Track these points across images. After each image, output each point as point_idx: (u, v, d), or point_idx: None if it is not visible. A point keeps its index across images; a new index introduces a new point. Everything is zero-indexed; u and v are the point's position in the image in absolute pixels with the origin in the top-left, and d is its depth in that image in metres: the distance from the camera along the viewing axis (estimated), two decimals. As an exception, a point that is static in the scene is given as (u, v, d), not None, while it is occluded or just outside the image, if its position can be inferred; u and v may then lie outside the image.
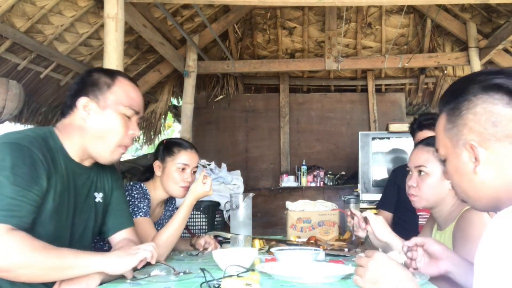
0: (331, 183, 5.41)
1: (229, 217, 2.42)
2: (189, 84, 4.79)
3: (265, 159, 5.87)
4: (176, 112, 6.43)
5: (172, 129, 10.99)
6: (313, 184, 5.35)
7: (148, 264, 1.41)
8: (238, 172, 4.01)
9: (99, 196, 1.55)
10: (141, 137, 5.88)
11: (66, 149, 1.42)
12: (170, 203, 2.26)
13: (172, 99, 6.04)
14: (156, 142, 5.86)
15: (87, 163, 1.49)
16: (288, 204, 2.59)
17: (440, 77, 5.91)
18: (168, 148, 2.09)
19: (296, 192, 5.10)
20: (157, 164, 2.08)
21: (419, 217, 2.50)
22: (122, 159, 4.76)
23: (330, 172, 5.50)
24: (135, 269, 1.39)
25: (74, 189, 1.43)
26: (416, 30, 5.49)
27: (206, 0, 3.39)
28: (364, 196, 4.31)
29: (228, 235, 2.21)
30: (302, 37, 5.66)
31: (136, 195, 1.95)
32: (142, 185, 2.01)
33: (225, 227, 3.02)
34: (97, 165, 1.52)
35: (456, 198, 1.68)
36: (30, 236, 1.21)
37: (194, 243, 2.10)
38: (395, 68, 5.36)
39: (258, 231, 3.13)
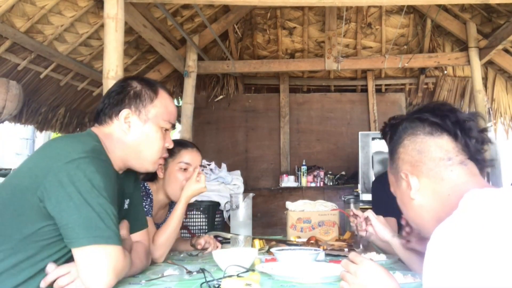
0: (331, 183, 5.41)
1: (229, 217, 2.43)
2: (189, 84, 4.79)
3: (265, 159, 5.87)
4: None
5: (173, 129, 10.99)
6: (313, 184, 5.36)
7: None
8: (238, 172, 4.01)
9: (126, 203, 1.52)
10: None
11: (111, 160, 1.38)
12: (173, 205, 2.24)
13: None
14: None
15: (121, 171, 1.46)
16: (288, 204, 2.59)
17: (440, 77, 5.91)
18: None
19: (296, 192, 5.11)
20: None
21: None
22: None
23: (330, 172, 5.50)
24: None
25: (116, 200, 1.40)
26: (416, 30, 5.49)
27: (206, 0, 3.39)
28: (364, 196, 4.30)
29: (228, 235, 2.21)
30: (302, 37, 5.66)
31: None
32: (146, 185, 1.99)
33: (225, 227, 3.01)
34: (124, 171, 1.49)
35: None
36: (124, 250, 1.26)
37: (194, 243, 2.09)
38: (395, 68, 5.36)
39: (258, 231, 3.13)
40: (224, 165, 4.00)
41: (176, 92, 5.85)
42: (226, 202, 2.84)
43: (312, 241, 2.17)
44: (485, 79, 5.42)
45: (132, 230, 1.55)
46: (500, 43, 4.29)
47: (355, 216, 1.69)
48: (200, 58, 4.95)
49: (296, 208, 2.54)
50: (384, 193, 2.55)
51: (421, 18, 5.34)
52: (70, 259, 1.24)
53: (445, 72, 5.86)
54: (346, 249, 2.03)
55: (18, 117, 4.01)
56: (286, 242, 2.25)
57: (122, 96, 1.41)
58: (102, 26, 3.36)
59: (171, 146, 1.48)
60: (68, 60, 3.91)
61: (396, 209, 2.46)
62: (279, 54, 5.78)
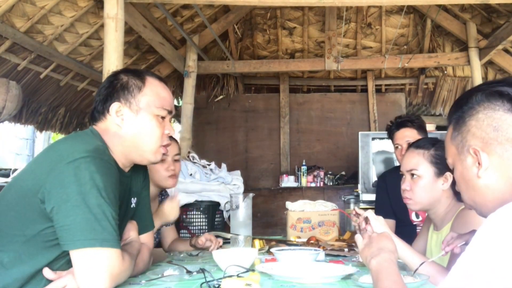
0: (331, 183, 5.41)
1: (229, 217, 2.43)
2: (189, 84, 4.79)
3: (265, 159, 5.87)
4: (176, 112, 6.43)
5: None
6: (313, 184, 5.35)
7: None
8: (238, 172, 4.01)
9: (134, 202, 1.49)
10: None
11: (114, 158, 1.36)
12: (163, 196, 2.28)
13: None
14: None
15: (127, 169, 1.43)
16: (288, 204, 2.59)
17: (440, 77, 5.91)
18: None
19: (296, 192, 5.11)
20: None
21: (416, 226, 2.47)
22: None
23: (330, 172, 5.50)
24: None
25: (121, 199, 1.36)
26: (416, 30, 5.49)
27: (206, 0, 3.39)
28: (364, 196, 4.30)
29: (228, 235, 2.21)
30: (302, 37, 5.66)
31: None
32: None
33: (225, 227, 3.02)
34: (131, 168, 1.46)
35: (451, 198, 1.69)
36: (123, 253, 1.25)
37: (194, 243, 2.10)
38: (395, 68, 5.36)
39: (258, 231, 3.14)
40: (224, 165, 4.00)
41: (176, 92, 5.85)
42: (226, 202, 2.84)
43: (312, 241, 2.17)
44: (485, 79, 5.41)
45: (140, 231, 1.54)
46: (500, 43, 4.29)
47: (357, 215, 1.69)
48: (200, 58, 4.95)
49: (296, 208, 2.54)
50: (386, 194, 2.59)
51: (421, 18, 5.34)
52: None
53: (445, 72, 5.86)
54: (346, 249, 2.03)
55: (18, 117, 4.01)
56: (286, 242, 2.25)
57: (110, 90, 1.38)
58: (102, 26, 3.36)
59: (172, 133, 1.44)
60: (68, 60, 3.91)
61: (395, 211, 2.49)
62: (279, 54, 5.78)
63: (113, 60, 2.72)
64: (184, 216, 3.17)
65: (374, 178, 4.37)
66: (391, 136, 2.53)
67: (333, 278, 1.37)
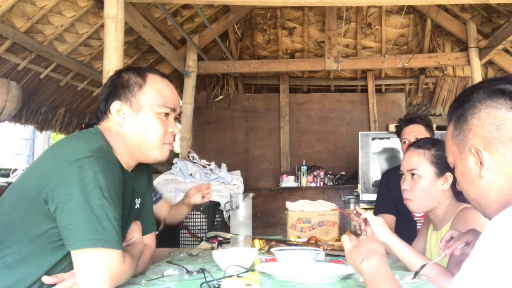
0: (331, 183, 5.40)
1: (229, 217, 2.43)
2: (189, 84, 4.79)
3: (265, 159, 5.87)
4: (176, 112, 6.43)
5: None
6: (313, 184, 5.35)
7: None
8: (238, 172, 4.01)
9: (138, 202, 1.48)
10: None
11: (118, 158, 1.34)
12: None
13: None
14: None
15: (131, 169, 1.41)
16: (288, 204, 2.59)
17: (440, 77, 5.91)
18: None
19: (296, 192, 5.10)
20: None
21: (417, 222, 2.48)
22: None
23: (330, 172, 5.50)
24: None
25: (124, 199, 1.34)
26: (416, 30, 5.49)
27: (206, 0, 3.39)
28: (364, 196, 4.30)
29: (228, 235, 2.21)
30: (302, 37, 5.66)
31: None
32: None
33: (225, 227, 3.01)
34: (135, 168, 1.43)
35: (451, 198, 1.68)
36: (124, 254, 1.24)
37: (187, 201, 2.23)
38: (395, 68, 5.36)
39: (258, 231, 3.13)
40: (224, 165, 3.99)
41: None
42: (226, 202, 2.84)
43: (312, 241, 2.17)
44: (485, 79, 5.42)
45: (143, 232, 1.53)
46: (500, 43, 4.29)
47: (358, 214, 1.69)
48: (200, 58, 4.95)
49: (296, 208, 2.54)
50: (388, 190, 2.61)
51: (421, 18, 5.34)
52: None
53: (445, 72, 5.86)
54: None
55: (18, 117, 4.01)
56: (286, 242, 2.25)
57: (111, 89, 1.36)
58: (102, 26, 3.36)
59: (176, 131, 1.41)
60: (68, 60, 3.91)
61: (398, 206, 2.49)
62: (279, 54, 5.78)
63: (113, 60, 2.72)
64: (184, 216, 3.16)
65: (374, 178, 4.37)
66: (399, 133, 2.57)
67: (333, 278, 1.37)
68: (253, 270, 1.39)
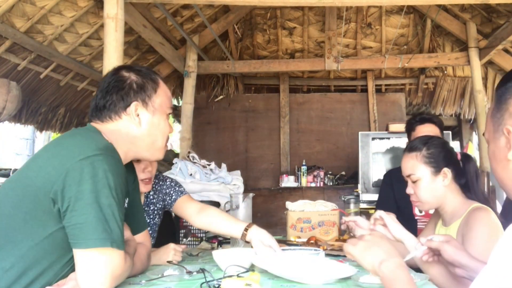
0: (331, 183, 5.40)
1: (229, 217, 2.42)
2: (189, 84, 4.79)
3: (265, 159, 5.87)
4: (176, 112, 6.43)
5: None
6: (313, 184, 5.35)
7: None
8: (238, 172, 4.01)
9: (126, 202, 1.47)
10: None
11: None
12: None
13: (172, 99, 6.04)
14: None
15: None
16: (288, 204, 2.59)
17: (440, 77, 5.91)
18: None
19: (296, 192, 5.10)
20: None
21: (418, 221, 2.49)
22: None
23: (330, 172, 5.50)
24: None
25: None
26: (416, 30, 5.49)
27: (206, 0, 3.39)
28: (364, 196, 4.31)
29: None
30: (302, 37, 5.66)
31: None
32: None
33: (225, 227, 3.01)
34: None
35: (459, 194, 1.68)
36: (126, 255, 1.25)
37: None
38: (395, 68, 5.36)
39: (258, 231, 3.13)
40: (224, 165, 4.00)
41: (176, 92, 5.86)
42: (226, 202, 2.83)
43: (312, 241, 2.17)
44: (485, 79, 5.42)
45: (134, 231, 1.53)
46: (500, 43, 4.29)
47: (346, 224, 1.71)
48: (200, 58, 4.95)
49: (296, 208, 2.54)
50: (390, 189, 2.62)
51: (421, 18, 5.34)
52: None
53: (445, 72, 5.86)
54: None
55: (18, 117, 4.01)
56: (286, 242, 2.25)
57: (126, 90, 1.37)
58: (102, 26, 3.36)
59: (171, 131, 1.49)
60: (68, 60, 3.91)
61: (399, 205, 2.50)
62: (279, 54, 5.78)
63: (113, 60, 2.72)
64: (184, 216, 3.16)
65: (374, 178, 4.37)
66: (411, 129, 2.55)
67: (333, 278, 1.37)
68: (253, 270, 1.39)
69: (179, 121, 5.95)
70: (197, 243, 2.70)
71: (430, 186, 1.68)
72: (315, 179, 5.38)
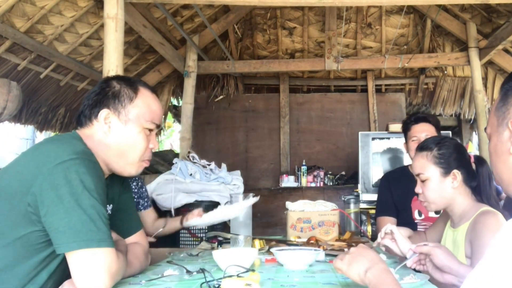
0: (331, 183, 5.40)
1: (229, 217, 2.42)
2: (189, 84, 4.79)
3: (265, 159, 5.87)
4: (176, 112, 6.44)
5: (172, 129, 10.98)
6: (313, 184, 5.35)
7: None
8: (238, 172, 4.00)
9: (109, 208, 1.47)
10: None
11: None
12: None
13: (172, 99, 6.04)
14: (156, 142, 5.86)
15: (106, 176, 1.40)
16: (288, 204, 2.59)
17: (440, 77, 5.91)
18: None
19: (296, 192, 5.10)
20: None
21: (417, 225, 2.48)
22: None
23: (330, 172, 5.50)
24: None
25: None
26: (416, 30, 5.49)
27: (206, 0, 3.39)
28: (364, 196, 4.30)
29: (228, 235, 2.21)
30: (302, 37, 5.66)
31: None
32: (137, 178, 2.03)
33: (225, 227, 3.01)
34: (109, 176, 1.44)
35: (468, 196, 1.67)
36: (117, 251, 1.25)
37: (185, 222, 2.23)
38: (395, 68, 5.36)
39: (258, 231, 3.13)
40: (224, 165, 3.99)
41: (176, 92, 5.86)
42: (226, 202, 2.84)
43: (312, 241, 2.17)
44: (485, 79, 5.42)
45: (128, 233, 1.54)
46: (500, 43, 4.29)
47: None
48: (200, 58, 4.95)
49: (296, 208, 2.53)
50: (389, 193, 2.60)
51: (421, 18, 5.34)
52: (61, 264, 1.23)
53: (445, 72, 5.86)
54: (346, 249, 2.03)
55: (18, 117, 4.01)
56: (286, 242, 2.25)
57: (100, 97, 1.36)
58: (102, 26, 3.36)
59: (156, 147, 1.43)
60: (68, 60, 3.91)
61: (398, 209, 2.49)
62: (279, 54, 5.78)
63: (113, 60, 2.72)
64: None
65: (374, 178, 4.37)
66: (406, 129, 2.54)
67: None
68: (253, 270, 1.39)
69: (179, 121, 5.95)
70: (197, 243, 2.70)
71: (438, 187, 1.67)
72: (315, 179, 5.38)
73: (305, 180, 5.35)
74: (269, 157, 5.87)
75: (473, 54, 4.68)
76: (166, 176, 3.39)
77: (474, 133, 6.97)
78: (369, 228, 4.07)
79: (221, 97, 5.97)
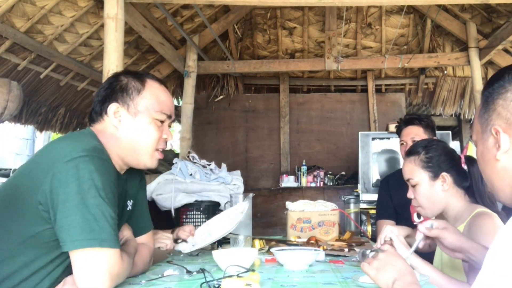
0: (331, 183, 5.40)
1: (229, 217, 2.42)
2: (189, 84, 4.79)
3: (265, 159, 5.87)
4: (176, 112, 6.42)
5: (172, 129, 10.99)
6: (313, 184, 5.35)
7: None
8: (238, 172, 4.00)
9: (130, 204, 1.47)
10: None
11: (112, 159, 1.34)
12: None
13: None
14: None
15: (123, 171, 1.41)
16: (288, 204, 2.59)
17: (440, 77, 5.91)
18: None
19: (296, 192, 5.10)
20: None
21: (417, 227, 2.48)
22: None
23: (330, 172, 5.50)
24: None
25: (117, 200, 1.33)
26: (416, 30, 5.49)
27: (206, 0, 3.39)
28: (364, 196, 4.30)
29: (228, 235, 2.21)
30: (302, 37, 5.66)
31: None
32: None
33: (225, 227, 3.01)
34: (127, 171, 1.44)
35: (461, 197, 1.67)
36: (122, 253, 1.24)
37: (176, 237, 2.07)
38: (395, 68, 5.36)
39: (258, 231, 3.13)
40: (224, 165, 3.99)
41: (176, 92, 5.86)
42: (226, 202, 2.84)
43: (312, 241, 2.17)
44: (485, 79, 5.41)
45: (138, 233, 1.53)
46: (500, 43, 4.28)
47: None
48: (200, 58, 4.95)
49: (296, 208, 2.54)
50: (388, 196, 2.60)
51: (421, 18, 5.34)
52: (70, 265, 1.23)
53: (445, 72, 5.86)
54: (346, 249, 2.03)
55: (18, 117, 4.01)
56: (286, 242, 2.25)
57: (109, 91, 1.37)
58: (102, 26, 3.36)
59: (170, 138, 1.43)
60: (68, 60, 3.92)
61: (398, 211, 2.49)
62: (279, 54, 5.78)
63: (113, 60, 2.72)
64: (184, 216, 3.16)
65: (374, 178, 4.37)
66: (399, 133, 2.54)
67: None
68: (253, 270, 1.39)
69: (179, 121, 5.95)
70: (197, 243, 2.69)
71: (428, 191, 1.67)
72: (315, 179, 5.38)
73: (305, 180, 5.35)
74: (269, 157, 5.87)
75: (473, 54, 4.68)
76: (166, 176, 3.39)
77: (474, 133, 6.96)
78: (369, 228, 4.07)
79: (221, 97, 5.97)
